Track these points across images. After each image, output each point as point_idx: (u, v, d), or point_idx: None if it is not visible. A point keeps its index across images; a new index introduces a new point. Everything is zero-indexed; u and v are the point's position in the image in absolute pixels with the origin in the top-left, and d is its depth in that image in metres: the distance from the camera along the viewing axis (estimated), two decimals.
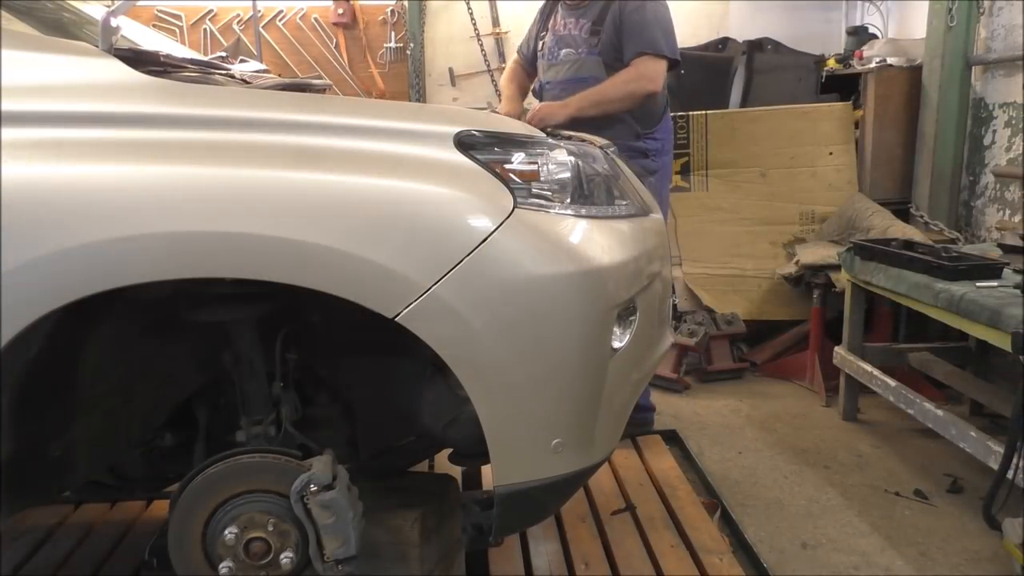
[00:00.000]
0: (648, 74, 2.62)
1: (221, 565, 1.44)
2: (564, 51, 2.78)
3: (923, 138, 3.78)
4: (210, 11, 4.68)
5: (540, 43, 2.91)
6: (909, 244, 2.86)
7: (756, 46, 4.42)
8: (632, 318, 1.58)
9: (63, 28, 1.92)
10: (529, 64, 3.02)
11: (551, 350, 1.43)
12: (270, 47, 4.71)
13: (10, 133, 1.27)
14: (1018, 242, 2.76)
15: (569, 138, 1.80)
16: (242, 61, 2.26)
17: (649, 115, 2.77)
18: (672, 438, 3.01)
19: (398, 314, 1.34)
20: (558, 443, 1.47)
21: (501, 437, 1.44)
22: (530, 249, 1.40)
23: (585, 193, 1.55)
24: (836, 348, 3.27)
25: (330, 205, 1.33)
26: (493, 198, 1.40)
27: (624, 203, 1.66)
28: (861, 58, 4.05)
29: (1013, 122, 3.43)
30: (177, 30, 4.65)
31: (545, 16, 2.93)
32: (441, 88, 4.85)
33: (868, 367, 3.03)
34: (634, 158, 2.63)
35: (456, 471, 2.16)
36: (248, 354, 1.60)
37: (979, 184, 3.68)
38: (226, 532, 1.44)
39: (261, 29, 4.67)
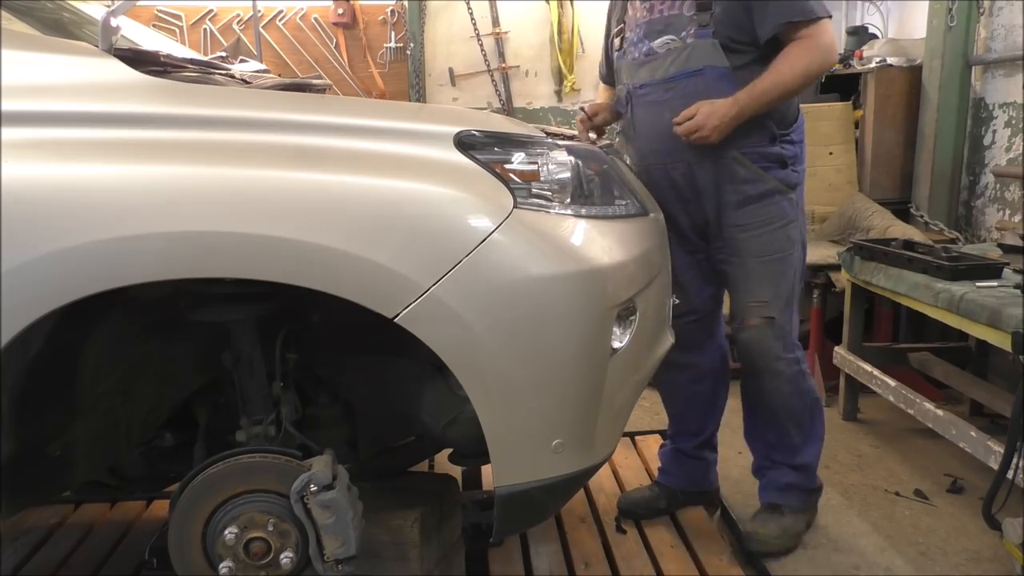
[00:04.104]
0: (826, 44, 1.95)
1: (221, 565, 1.44)
2: (661, 39, 2.03)
3: (923, 138, 3.78)
4: (210, 11, 4.67)
5: (618, 42, 2.19)
6: (909, 244, 2.86)
7: None
8: (632, 318, 1.58)
9: (63, 28, 1.92)
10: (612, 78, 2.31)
11: (551, 350, 1.43)
12: (270, 47, 4.71)
13: (10, 133, 1.27)
14: (1018, 242, 2.75)
15: (572, 137, 1.80)
16: (242, 61, 2.26)
17: (786, 109, 2.07)
18: None
19: (398, 314, 1.34)
20: (558, 443, 1.47)
21: (501, 437, 1.44)
22: (530, 249, 1.40)
23: (585, 193, 1.55)
24: (836, 348, 3.27)
25: (330, 205, 1.33)
26: (493, 198, 1.40)
27: (624, 203, 1.66)
28: (861, 58, 4.05)
29: (1013, 122, 3.43)
30: (177, 30, 4.65)
31: (619, 11, 2.22)
32: (441, 88, 4.85)
33: (868, 367, 3.03)
34: (770, 169, 2.06)
35: (456, 471, 2.16)
36: (248, 354, 1.60)
37: (979, 184, 3.68)
38: (226, 532, 1.44)
39: (261, 29, 4.67)
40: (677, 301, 1.97)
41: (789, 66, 1.94)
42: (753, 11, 1.94)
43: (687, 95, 1.99)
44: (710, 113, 1.92)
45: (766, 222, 2.07)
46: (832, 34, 1.97)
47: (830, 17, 1.97)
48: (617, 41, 2.19)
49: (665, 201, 2.05)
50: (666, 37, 2.02)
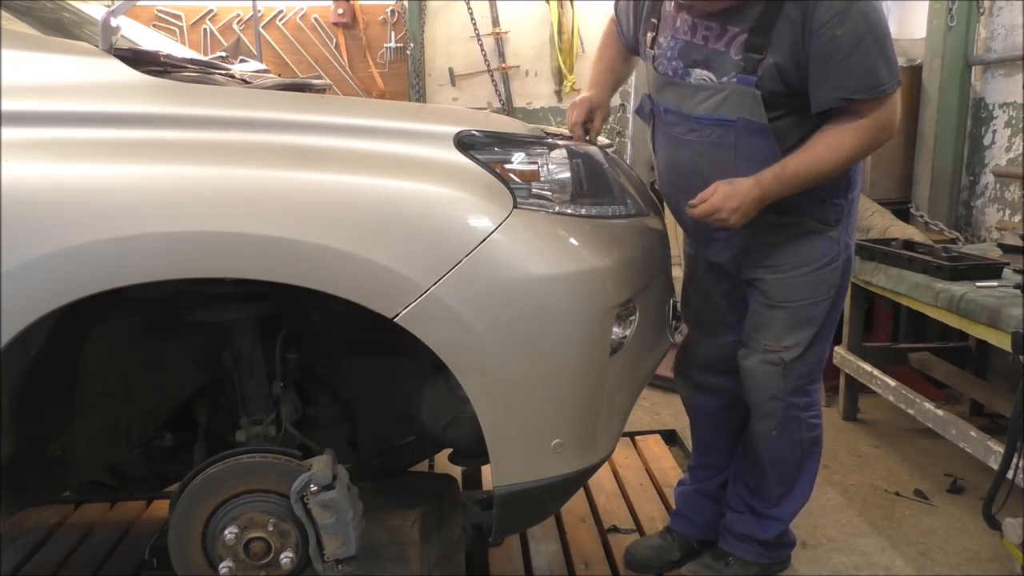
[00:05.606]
0: (883, 122, 1.69)
1: (221, 565, 1.44)
2: (697, 72, 1.75)
3: (923, 138, 3.77)
4: (210, 11, 4.67)
5: (649, 38, 1.88)
6: (909, 244, 2.86)
7: None
8: (632, 318, 1.58)
9: (63, 28, 1.92)
10: (629, 42, 2.02)
11: (550, 350, 1.43)
12: (270, 47, 4.71)
13: (10, 133, 1.27)
14: (1018, 242, 2.75)
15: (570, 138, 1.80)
16: (242, 61, 2.26)
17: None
18: (672, 438, 3.01)
19: (397, 314, 1.34)
20: (558, 443, 1.47)
21: (500, 437, 1.44)
22: (529, 249, 1.40)
23: (585, 193, 1.55)
24: (836, 348, 3.26)
25: (330, 205, 1.33)
26: (493, 198, 1.40)
27: (624, 203, 1.66)
28: None
29: (1013, 122, 3.43)
30: (177, 30, 4.65)
31: (649, 7, 1.89)
32: (441, 88, 4.84)
33: (868, 367, 3.03)
34: (801, 210, 1.79)
35: (456, 471, 2.16)
36: (248, 354, 1.60)
37: (979, 184, 3.67)
38: (226, 532, 1.44)
39: (261, 29, 4.66)
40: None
41: (831, 149, 1.68)
42: (809, 74, 1.65)
43: (713, 144, 1.74)
44: (729, 195, 1.66)
45: (798, 264, 1.83)
46: (895, 107, 1.69)
47: (899, 84, 1.67)
48: (650, 39, 1.87)
49: (686, 228, 1.99)
50: (704, 72, 1.74)
